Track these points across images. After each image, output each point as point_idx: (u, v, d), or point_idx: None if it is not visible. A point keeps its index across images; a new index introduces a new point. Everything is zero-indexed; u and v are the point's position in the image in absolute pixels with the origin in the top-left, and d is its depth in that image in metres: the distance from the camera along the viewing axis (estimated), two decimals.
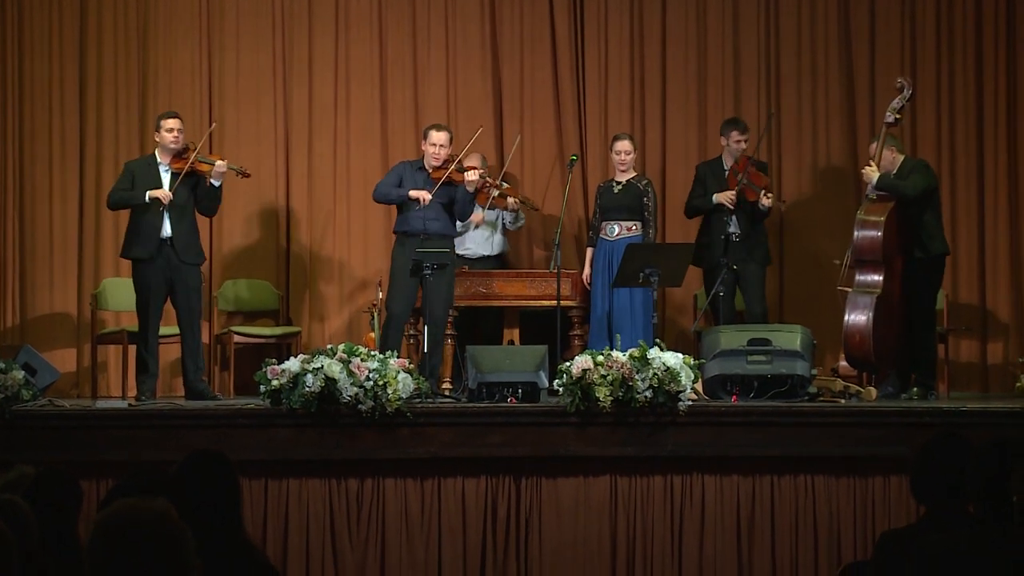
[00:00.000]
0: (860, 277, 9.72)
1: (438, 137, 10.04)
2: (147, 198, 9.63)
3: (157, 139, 9.85)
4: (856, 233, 9.67)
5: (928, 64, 11.53)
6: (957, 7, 11.52)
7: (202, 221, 10.21)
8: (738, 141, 10.41)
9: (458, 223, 10.33)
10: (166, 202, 9.62)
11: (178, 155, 9.78)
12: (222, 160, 9.88)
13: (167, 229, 9.67)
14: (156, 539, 3.11)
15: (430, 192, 9.87)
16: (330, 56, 11.70)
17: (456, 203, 10.04)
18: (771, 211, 10.38)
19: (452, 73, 11.72)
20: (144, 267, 9.69)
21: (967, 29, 11.51)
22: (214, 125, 10.07)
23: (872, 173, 9.70)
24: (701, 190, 10.55)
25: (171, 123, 9.83)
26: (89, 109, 11.54)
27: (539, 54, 11.73)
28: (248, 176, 10.23)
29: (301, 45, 11.68)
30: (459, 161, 10.04)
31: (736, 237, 10.27)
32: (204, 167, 9.81)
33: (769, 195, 10.21)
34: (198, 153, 9.80)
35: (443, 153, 10.01)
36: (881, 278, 9.65)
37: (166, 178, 9.76)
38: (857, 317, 9.63)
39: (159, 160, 9.82)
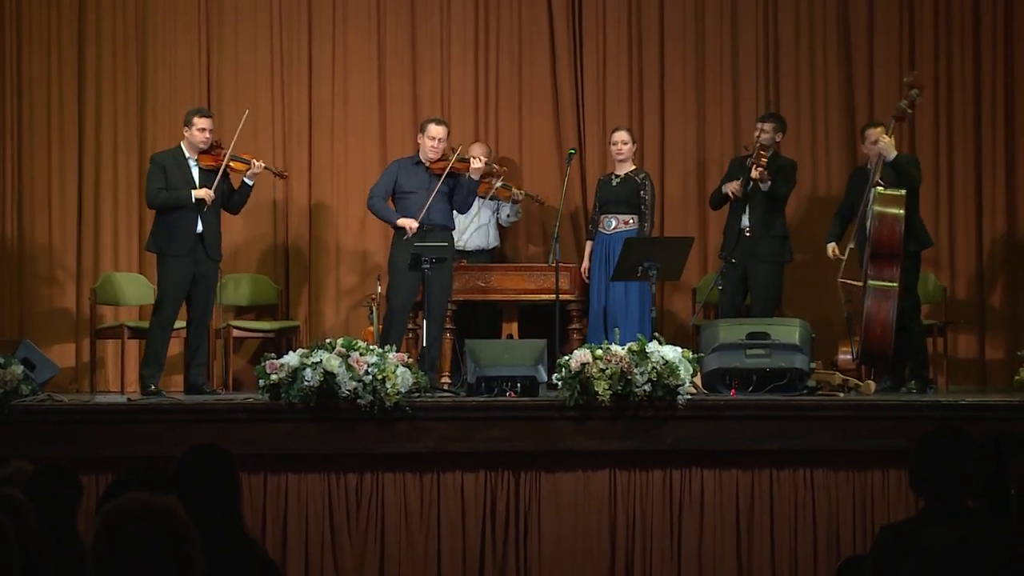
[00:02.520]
0: (877, 271, 9.59)
1: (437, 131, 10.04)
2: (193, 198, 9.63)
3: (186, 135, 9.85)
4: (875, 226, 9.56)
5: (926, 58, 11.53)
6: (955, 1, 11.53)
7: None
8: (759, 129, 10.35)
9: (455, 215, 10.34)
10: (210, 202, 9.65)
11: (207, 152, 9.80)
12: (259, 161, 9.93)
13: (200, 226, 9.70)
14: (163, 535, 3.10)
15: (430, 188, 9.90)
16: (328, 51, 11.70)
17: (457, 194, 10.05)
18: (777, 197, 10.24)
19: (450, 67, 11.72)
20: (174, 262, 9.69)
21: (965, 23, 11.52)
22: (247, 113, 10.11)
23: (891, 146, 9.62)
24: (726, 181, 10.54)
25: (204, 123, 9.83)
26: (88, 104, 11.53)
27: (537, 48, 11.73)
28: (286, 177, 10.43)
29: (300, 40, 11.68)
30: (459, 152, 10.06)
31: (748, 232, 10.23)
32: (240, 166, 9.85)
33: (759, 169, 10.13)
34: (232, 152, 9.81)
35: (441, 147, 10.03)
36: (898, 271, 9.61)
37: (195, 173, 9.78)
38: (880, 311, 9.54)
39: (187, 155, 9.82)
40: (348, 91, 11.70)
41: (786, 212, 10.52)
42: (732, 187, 10.28)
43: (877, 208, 9.61)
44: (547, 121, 11.72)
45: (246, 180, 9.90)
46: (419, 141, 10.18)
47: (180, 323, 9.99)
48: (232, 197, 9.97)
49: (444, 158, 10.03)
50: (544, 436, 8.60)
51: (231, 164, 9.84)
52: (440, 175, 9.95)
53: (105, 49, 11.56)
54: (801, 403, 8.80)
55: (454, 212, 10.27)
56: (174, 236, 9.68)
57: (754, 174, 10.08)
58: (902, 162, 9.67)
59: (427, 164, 10.05)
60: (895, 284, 9.60)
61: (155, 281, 10.14)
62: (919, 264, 9.99)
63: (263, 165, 9.97)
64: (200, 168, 9.80)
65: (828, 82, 11.61)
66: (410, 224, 9.88)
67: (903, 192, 9.63)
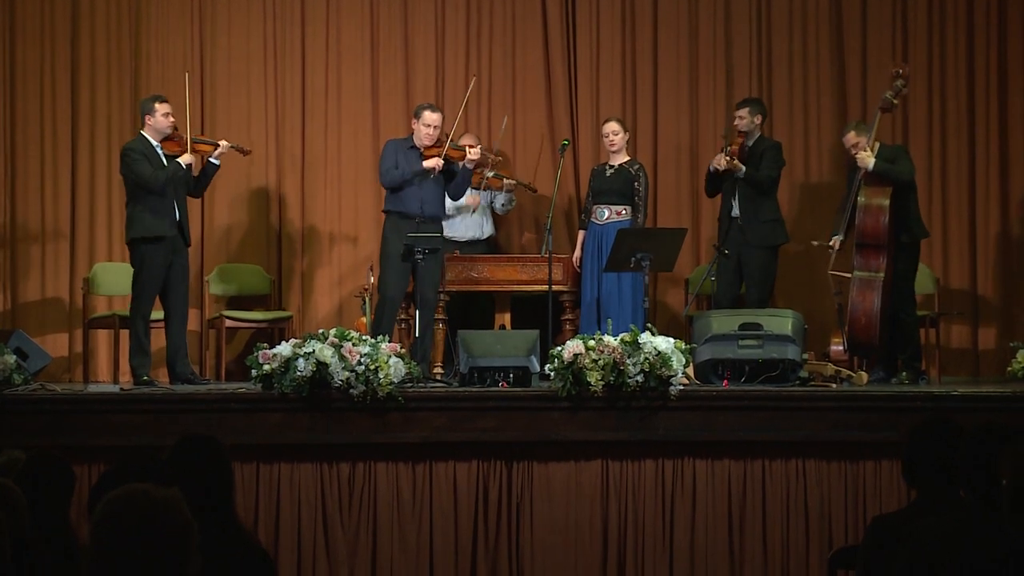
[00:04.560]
0: (863, 261, 9.66)
1: (432, 118, 10.04)
2: (184, 165, 9.67)
3: (149, 122, 9.79)
4: (860, 217, 9.63)
5: (920, 47, 11.53)
6: None
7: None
8: (738, 117, 10.39)
9: (448, 203, 10.35)
10: (193, 165, 9.71)
11: (168, 138, 9.79)
12: (223, 140, 9.93)
13: (177, 212, 9.68)
14: (164, 527, 3.10)
15: (425, 174, 9.91)
16: (321, 40, 11.68)
17: (453, 182, 10.07)
18: (761, 181, 10.23)
19: (443, 57, 11.71)
20: (154, 249, 9.64)
21: (959, 12, 11.52)
22: (187, 104, 10.10)
23: (868, 159, 9.68)
24: (714, 173, 10.52)
25: (166, 107, 9.83)
26: (82, 94, 11.52)
27: (530, 38, 11.72)
28: (248, 153, 10.35)
29: (292, 29, 11.67)
30: (452, 139, 10.06)
31: (739, 220, 10.25)
32: (206, 148, 9.85)
33: (726, 158, 10.13)
34: (193, 135, 9.79)
35: (436, 134, 10.04)
36: (884, 261, 9.64)
37: (164, 162, 9.75)
38: (864, 301, 9.59)
39: (153, 143, 9.79)
40: (341, 81, 11.68)
41: (778, 198, 10.51)
42: (716, 160, 10.30)
43: (862, 199, 9.66)
44: (540, 112, 11.72)
45: (212, 160, 9.89)
46: (413, 126, 10.17)
47: (158, 314, 9.94)
48: (198, 180, 9.95)
49: (438, 144, 10.03)
50: (536, 426, 8.61)
51: (196, 146, 9.83)
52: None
53: (99, 40, 11.55)
54: (793, 394, 8.81)
55: (447, 202, 10.28)
56: (159, 224, 9.63)
57: (722, 163, 10.12)
58: (882, 170, 9.68)
59: (420, 149, 10.05)
60: (880, 274, 9.62)
61: None
62: (915, 256, 9.98)
63: (228, 144, 9.95)
64: (166, 155, 9.77)
65: (820, 71, 11.61)
66: (436, 163, 9.89)
67: (889, 187, 9.65)
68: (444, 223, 10.40)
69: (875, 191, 9.67)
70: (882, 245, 9.63)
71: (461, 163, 10.04)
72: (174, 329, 9.78)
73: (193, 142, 9.80)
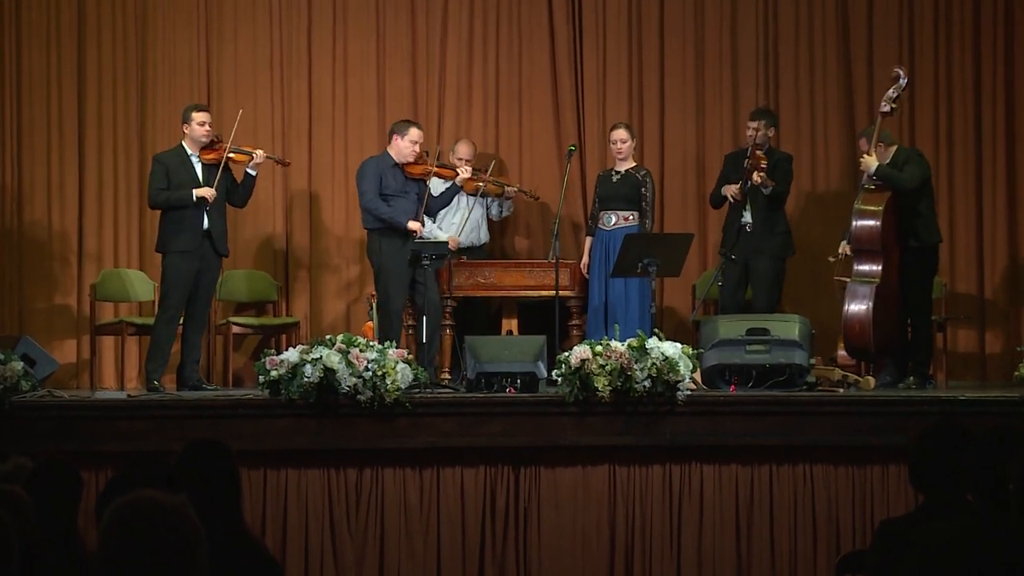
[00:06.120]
0: (858, 267, 9.71)
1: (416, 134, 10.10)
2: (194, 197, 9.63)
3: (186, 131, 9.86)
4: (854, 223, 9.66)
5: (926, 55, 11.52)
6: None
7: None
8: (751, 128, 10.36)
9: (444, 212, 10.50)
10: (211, 200, 9.65)
11: (208, 146, 9.81)
12: (260, 150, 9.96)
13: (206, 223, 9.70)
14: (171, 534, 3.10)
15: (409, 191, 10.09)
16: (328, 48, 11.69)
17: (438, 198, 10.28)
18: (779, 195, 10.25)
19: (450, 64, 11.71)
20: (181, 259, 9.67)
21: (965, 19, 11.51)
22: (240, 112, 10.18)
23: (871, 162, 9.67)
24: (722, 181, 10.51)
25: (202, 116, 9.86)
26: (88, 101, 11.52)
27: (537, 45, 11.72)
28: (288, 165, 10.50)
29: (299, 37, 11.68)
30: (439, 156, 10.16)
31: (749, 228, 10.23)
32: (242, 158, 9.87)
33: (760, 174, 10.13)
34: (231, 144, 9.82)
35: (419, 149, 10.09)
36: (880, 267, 9.65)
37: (198, 170, 9.78)
38: (856, 307, 9.63)
39: (189, 152, 9.82)
40: (348, 88, 11.69)
41: (785, 207, 10.51)
42: (731, 191, 10.29)
43: (857, 205, 9.66)
44: (547, 118, 11.72)
45: (249, 171, 9.93)
46: (396, 143, 10.14)
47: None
48: (236, 190, 9.99)
49: (419, 161, 10.09)
50: (544, 432, 8.62)
51: (233, 156, 9.86)
52: (415, 178, 10.11)
53: (105, 47, 11.55)
54: (800, 399, 8.81)
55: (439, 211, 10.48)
56: (180, 232, 9.67)
57: (756, 180, 10.07)
58: (883, 174, 9.66)
59: (403, 166, 10.09)
60: (876, 280, 9.62)
61: (156, 278, 10.15)
62: (928, 260, 9.89)
63: (265, 154, 10.01)
64: (202, 164, 9.80)
65: (827, 79, 11.59)
66: (418, 226, 9.96)
67: (888, 193, 9.64)
68: (440, 228, 10.63)
69: (871, 196, 9.68)
70: (876, 250, 9.63)
71: (451, 181, 10.16)
72: (190, 336, 9.84)
73: (232, 151, 9.83)
